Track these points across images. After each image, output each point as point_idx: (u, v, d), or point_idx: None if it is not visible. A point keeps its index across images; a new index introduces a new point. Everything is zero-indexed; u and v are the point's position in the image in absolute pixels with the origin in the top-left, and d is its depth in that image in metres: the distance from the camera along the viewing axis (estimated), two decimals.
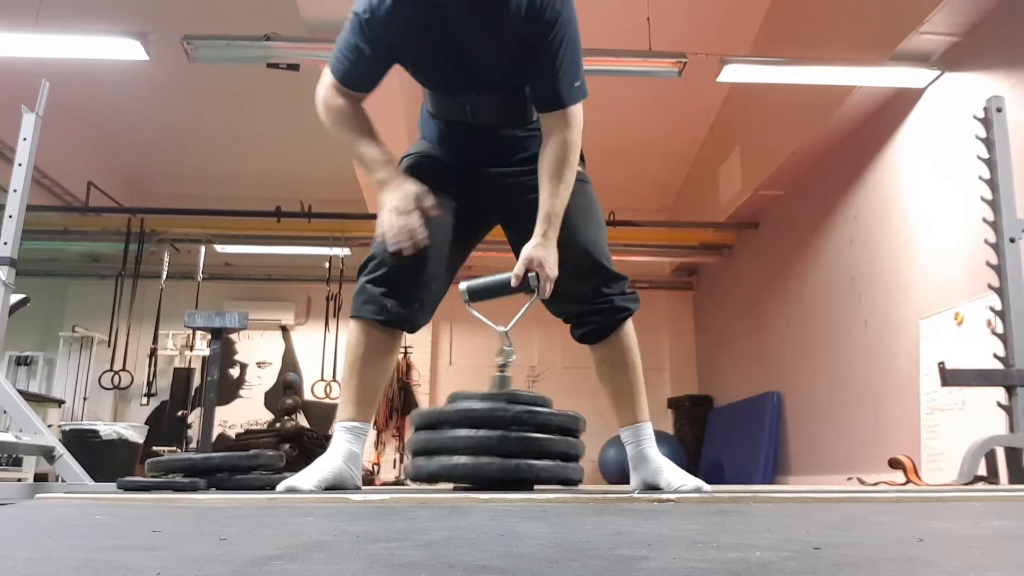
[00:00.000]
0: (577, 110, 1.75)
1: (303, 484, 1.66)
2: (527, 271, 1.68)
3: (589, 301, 1.80)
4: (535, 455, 1.43)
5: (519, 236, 1.81)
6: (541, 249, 1.68)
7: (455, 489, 1.55)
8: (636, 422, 1.84)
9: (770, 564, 0.64)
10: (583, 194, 1.85)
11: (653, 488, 1.72)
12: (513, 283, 1.68)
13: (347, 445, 1.76)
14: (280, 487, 1.65)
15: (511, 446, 1.42)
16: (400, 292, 1.76)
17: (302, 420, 7.80)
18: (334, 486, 1.71)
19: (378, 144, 1.74)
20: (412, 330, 1.82)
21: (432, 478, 1.47)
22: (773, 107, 6.16)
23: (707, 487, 1.64)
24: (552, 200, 1.71)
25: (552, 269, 1.68)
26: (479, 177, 1.87)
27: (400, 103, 5.55)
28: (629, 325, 1.85)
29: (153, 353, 7.53)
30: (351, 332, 1.80)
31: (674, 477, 1.69)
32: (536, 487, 1.57)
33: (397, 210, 1.66)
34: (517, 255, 1.80)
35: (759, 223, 7.22)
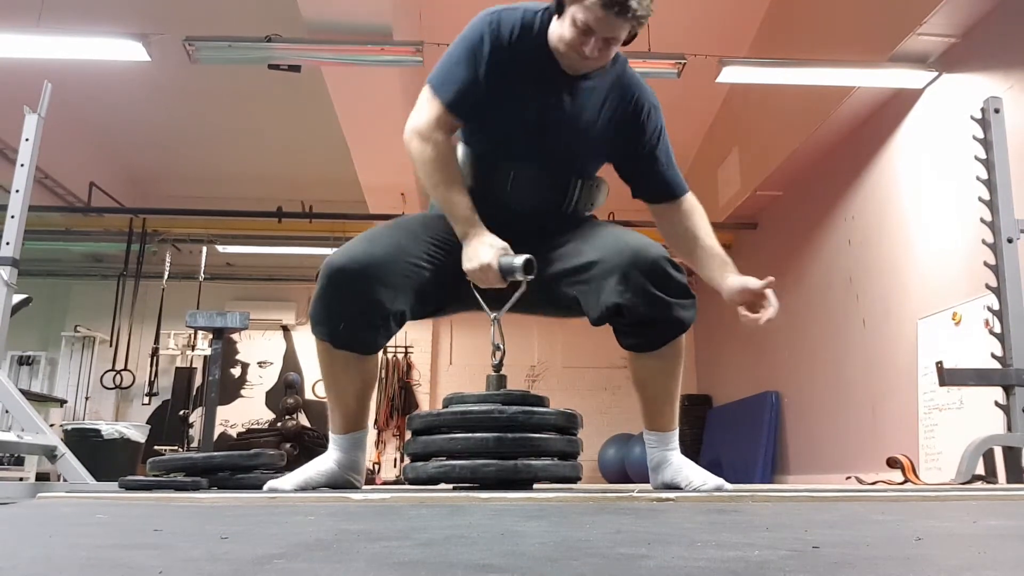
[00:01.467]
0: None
1: (286, 485, 1.65)
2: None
3: (649, 294, 1.62)
4: (533, 455, 1.44)
5: (546, 286, 1.73)
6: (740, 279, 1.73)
7: (455, 489, 1.55)
8: (667, 430, 1.76)
9: (769, 563, 0.64)
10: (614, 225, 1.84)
11: (674, 487, 1.69)
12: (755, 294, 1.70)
13: (341, 453, 1.74)
14: (265, 488, 1.65)
15: (508, 447, 1.42)
16: (349, 313, 1.63)
17: (303, 419, 7.80)
18: (325, 487, 1.71)
19: (465, 196, 1.66)
20: (368, 352, 1.70)
21: (431, 481, 1.48)
22: (772, 108, 6.16)
23: (728, 486, 1.61)
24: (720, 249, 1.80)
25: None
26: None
27: (400, 106, 5.56)
28: (682, 337, 1.75)
29: (155, 353, 7.54)
30: (317, 351, 1.71)
31: (695, 476, 1.66)
32: (536, 487, 1.57)
33: (480, 268, 1.60)
34: (559, 303, 1.76)
35: (758, 223, 7.22)
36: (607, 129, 1.74)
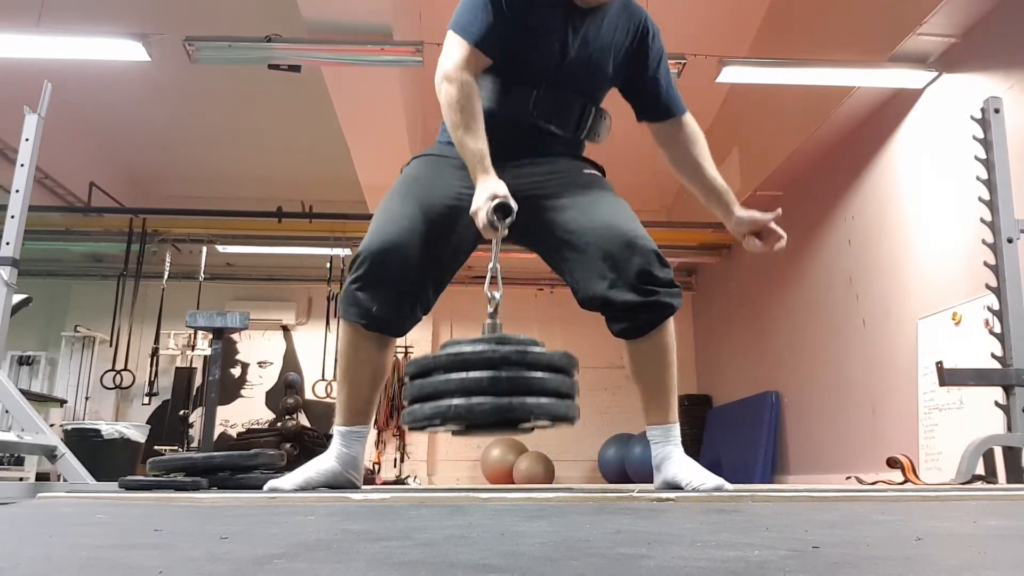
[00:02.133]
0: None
1: (286, 484, 1.67)
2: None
3: (635, 289, 1.70)
4: (527, 393, 1.44)
5: (552, 245, 1.82)
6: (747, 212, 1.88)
7: (454, 434, 1.56)
8: (667, 423, 1.79)
9: (769, 563, 0.64)
10: (611, 189, 1.90)
11: (675, 487, 1.70)
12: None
13: (342, 449, 1.76)
14: (265, 487, 1.66)
15: (503, 386, 1.44)
16: (385, 296, 1.72)
17: (303, 419, 7.80)
18: (325, 487, 1.72)
19: (481, 142, 1.71)
20: (398, 335, 1.79)
21: (428, 421, 1.48)
22: (772, 108, 6.16)
23: (729, 486, 1.62)
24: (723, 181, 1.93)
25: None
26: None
27: (400, 106, 5.56)
28: (671, 323, 1.79)
29: (155, 353, 7.53)
30: (342, 335, 1.79)
31: (695, 476, 1.67)
32: (535, 487, 1.57)
33: (472, 213, 1.65)
34: (555, 264, 1.83)
35: None
36: (618, 54, 1.86)
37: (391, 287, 1.72)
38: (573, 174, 1.87)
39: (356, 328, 1.75)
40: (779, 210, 1.88)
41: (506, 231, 1.63)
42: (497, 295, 1.58)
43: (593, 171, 1.93)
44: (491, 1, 1.73)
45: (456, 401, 1.42)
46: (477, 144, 1.69)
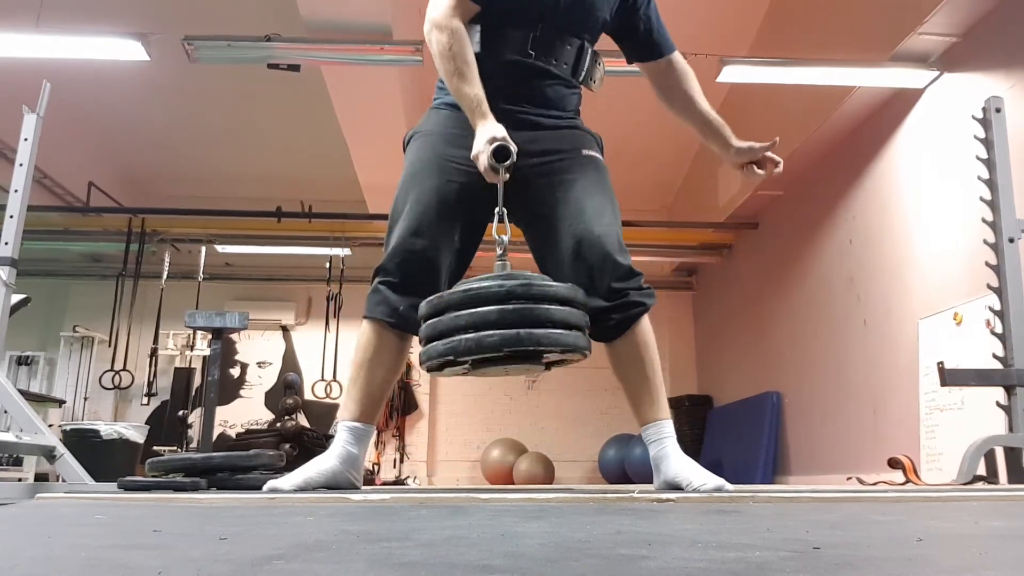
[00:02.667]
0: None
1: (285, 485, 1.67)
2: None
3: (605, 298, 1.76)
4: (534, 324, 1.47)
5: (537, 234, 1.86)
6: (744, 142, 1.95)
7: (471, 373, 1.57)
8: (657, 420, 1.80)
9: (769, 563, 0.64)
10: (605, 178, 1.91)
11: (675, 487, 1.70)
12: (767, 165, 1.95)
13: (345, 447, 1.76)
14: (265, 488, 1.65)
15: (511, 318, 1.46)
16: (413, 295, 1.76)
17: (302, 420, 7.80)
18: (325, 487, 1.71)
19: (476, 87, 1.74)
20: (417, 332, 1.82)
21: (441, 358, 1.52)
22: (772, 107, 6.16)
23: (729, 486, 1.62)
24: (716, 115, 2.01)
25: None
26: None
27: (400, 106, 5.56)
28: (646, 321, 1.82)
29: (154, 353, 7.52)
30: (362, 332, 1.82)
31: (695, 476, 1.67)
32: (534, 487, 1.57)
33: (487, 160, 1.68)
34: (535, 254, 1.87)
35: (758, 223, 7.22)
36: None
37: (418, 286, 1.77)
38: (573, 156, 1.88)
39: (382, 326, 1.80)
40: (777, 138, 1.96)
41: (507, 175, 1.67)
42: (505, 237, 1.63)
43: (592, 152, 1.94)
44: None
45: (467, 336, 1.46)
46: (473, 89, 1.73)
